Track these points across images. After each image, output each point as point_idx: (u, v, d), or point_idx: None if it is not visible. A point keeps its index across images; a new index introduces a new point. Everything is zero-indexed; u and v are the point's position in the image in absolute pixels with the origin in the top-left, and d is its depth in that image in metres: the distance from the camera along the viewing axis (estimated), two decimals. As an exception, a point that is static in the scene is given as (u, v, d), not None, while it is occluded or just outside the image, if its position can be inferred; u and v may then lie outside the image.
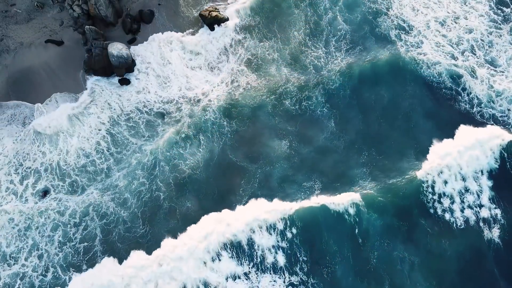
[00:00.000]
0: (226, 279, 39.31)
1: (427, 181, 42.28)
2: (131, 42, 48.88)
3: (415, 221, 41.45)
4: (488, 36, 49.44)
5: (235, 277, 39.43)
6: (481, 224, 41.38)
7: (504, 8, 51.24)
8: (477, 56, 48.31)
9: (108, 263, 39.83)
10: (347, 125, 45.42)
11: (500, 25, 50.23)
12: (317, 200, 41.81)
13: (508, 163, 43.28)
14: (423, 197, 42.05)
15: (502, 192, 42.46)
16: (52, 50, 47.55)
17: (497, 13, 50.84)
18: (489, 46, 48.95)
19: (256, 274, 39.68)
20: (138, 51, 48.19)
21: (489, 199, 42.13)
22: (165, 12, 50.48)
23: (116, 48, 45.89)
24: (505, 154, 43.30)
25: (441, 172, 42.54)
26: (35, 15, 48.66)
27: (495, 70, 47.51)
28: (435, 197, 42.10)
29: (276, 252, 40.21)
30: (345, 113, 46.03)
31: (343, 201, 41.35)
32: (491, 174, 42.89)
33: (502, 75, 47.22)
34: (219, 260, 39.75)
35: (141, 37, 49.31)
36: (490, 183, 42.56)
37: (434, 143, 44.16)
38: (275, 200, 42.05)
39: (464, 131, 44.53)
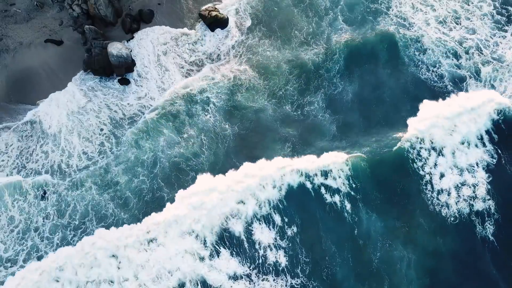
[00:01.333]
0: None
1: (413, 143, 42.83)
2: (131, 41, 48.78)
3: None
4: (492, 38, 49.52)
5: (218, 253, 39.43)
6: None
7: (509, 8, 51.34)
8: (483, 54, 48.35)
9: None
10: (347, 125, 45.69)
11: (504, 26, 50.38)
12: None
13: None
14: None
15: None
16: (52, 50, 47.28)
17: (501, 13, 50.95)
18: (494, 46, 49.00)
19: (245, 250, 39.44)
20: (132, 47, 48.08)
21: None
22: (165, 12, 50.31)
23: (116, 48, 45.74)
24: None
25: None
26: (34, 15, 48.38)
27: (501, 66, 47.55)
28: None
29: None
30: (346, 113, 46.36)
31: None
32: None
33: (507, 67, 47.31)
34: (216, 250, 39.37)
35: (141, 37, 49.06)
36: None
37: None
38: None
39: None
